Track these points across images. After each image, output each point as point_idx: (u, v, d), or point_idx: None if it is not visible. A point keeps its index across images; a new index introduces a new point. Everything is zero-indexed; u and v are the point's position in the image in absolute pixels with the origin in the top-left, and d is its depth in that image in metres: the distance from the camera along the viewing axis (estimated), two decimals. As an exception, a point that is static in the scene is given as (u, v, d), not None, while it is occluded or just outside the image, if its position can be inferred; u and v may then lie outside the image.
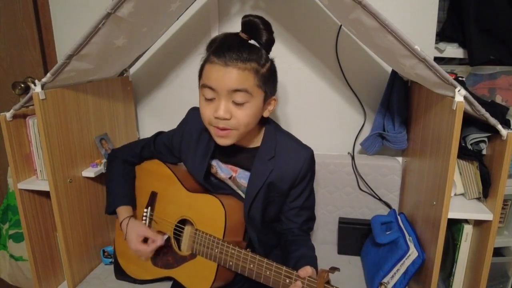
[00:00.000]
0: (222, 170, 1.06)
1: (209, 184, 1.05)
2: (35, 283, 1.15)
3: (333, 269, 0.79)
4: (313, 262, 0.93)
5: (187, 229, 1.04)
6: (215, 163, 1.06)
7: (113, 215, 1.14)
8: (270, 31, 0.91)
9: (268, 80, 0.91)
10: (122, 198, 1.11)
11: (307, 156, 1.00)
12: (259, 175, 0.98)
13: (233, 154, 1.03)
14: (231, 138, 0.92)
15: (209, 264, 0.97)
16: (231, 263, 0.93)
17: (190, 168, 1.07)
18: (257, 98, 0.89)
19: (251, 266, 0.89)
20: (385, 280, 1.04)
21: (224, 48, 0.86)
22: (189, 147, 1.06)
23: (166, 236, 1.05)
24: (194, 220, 1.01)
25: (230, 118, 0.88)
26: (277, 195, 1.01)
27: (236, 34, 0.91)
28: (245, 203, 1.00)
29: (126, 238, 1.05)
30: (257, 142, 1.01)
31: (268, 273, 0.87)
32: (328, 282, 0.79)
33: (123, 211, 1.09)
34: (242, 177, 1.03)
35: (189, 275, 1.01)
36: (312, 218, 1.09)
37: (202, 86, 0.89)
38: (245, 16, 0.91)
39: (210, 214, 0.98)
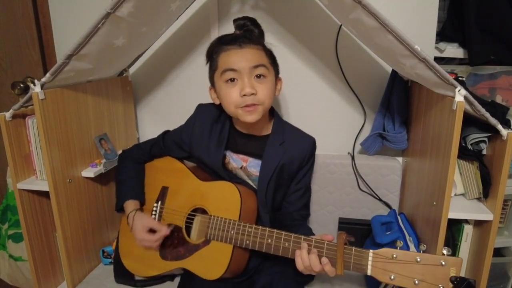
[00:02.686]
0: (234, 160, 1.11)
1: (225, 173, 1.09)
2: (34, 283, 1.15)
3: (350, 236, 0.84)
4: None
5: (198, 218, 1.05)
6: (227, 153, 1.11)
7: (119, 213, 1.15)
8: (258, 25, 1.06)
9: (275, 60, 1.05)
10: (129, 193, 1.13)
11: (312, 141, 1.12)
12: (272, 159, 1.05)
13: (245, 143, 1.10)
14: (258, 113, 0.99)
15: (224, 248, 0.98)
16: (248, 241, 0.95)
17: (205, 159, 1.10)
18: (271, 74, 1.02)
19: (269, 240, 0.92)
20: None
21: (233, 38, 1.00)
22: (201, 140, 1.10)
23: (171, 227, 1.06)
24: (208, 207, 1.04)
25: (256, 93, 0.97)
26: (286, 177, 1.09)
27: (232, 33, 1.04)
28: (260, 186, 1.06)
29: (132, 229, 1.07)
30: (267, 130, 1.10)
31: (287, 244, 0.90)
32: (346, 244, 0.82)
33: (130, 205, 1.11)
34: (252, 166, 1.09)
35: (202, 262, 1.02)
36: (308, 205, 1.16)
37: (223, 72, 0.98)
38: (235, 20, 1.06)
39: (225, 199, 1.01)
